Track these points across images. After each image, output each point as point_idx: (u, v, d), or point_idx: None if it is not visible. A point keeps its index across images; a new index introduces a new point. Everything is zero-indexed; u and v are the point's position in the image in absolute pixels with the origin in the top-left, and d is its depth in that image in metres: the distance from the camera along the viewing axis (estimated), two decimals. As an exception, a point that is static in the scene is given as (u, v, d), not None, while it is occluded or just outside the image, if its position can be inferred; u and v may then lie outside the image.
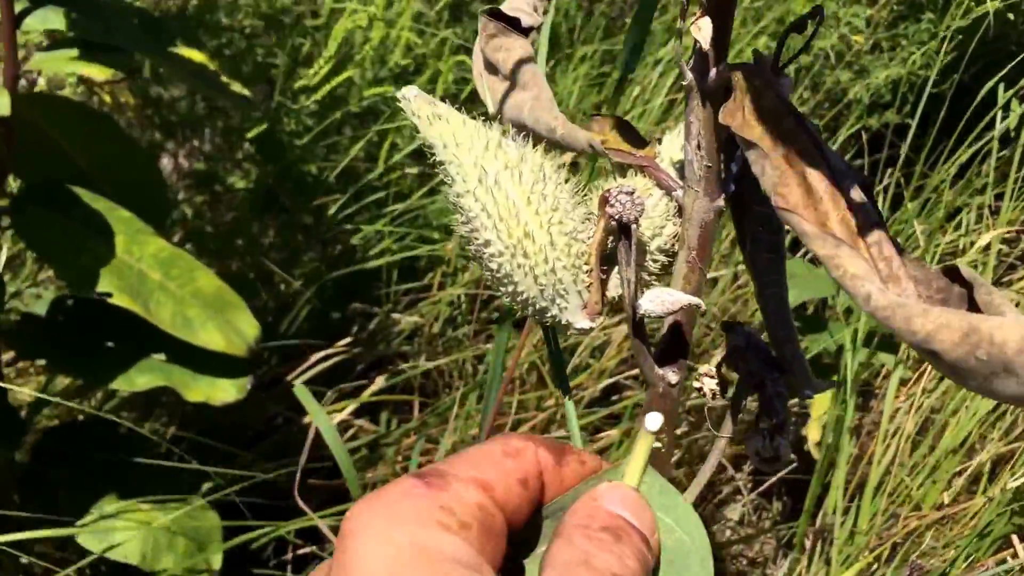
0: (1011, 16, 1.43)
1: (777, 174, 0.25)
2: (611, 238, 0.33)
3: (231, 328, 0.91)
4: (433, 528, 0.23)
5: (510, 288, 0.32)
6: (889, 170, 1.42)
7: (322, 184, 1.42)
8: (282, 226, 1.43)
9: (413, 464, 0.99)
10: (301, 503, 0.54)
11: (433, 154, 0.32)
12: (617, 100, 1.46)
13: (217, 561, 0.94)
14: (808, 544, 1.13)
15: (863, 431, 1.26)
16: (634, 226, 0.32)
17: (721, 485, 1.31)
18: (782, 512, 1.29)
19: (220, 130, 1.42)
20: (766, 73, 0.28)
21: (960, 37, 1.48)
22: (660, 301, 0.33)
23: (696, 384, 0.39)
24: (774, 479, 1.26)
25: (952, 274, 0.24)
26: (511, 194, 0.31)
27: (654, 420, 0.28)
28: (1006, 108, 1.34)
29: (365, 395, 1.20)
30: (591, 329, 0.33)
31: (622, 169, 0.37)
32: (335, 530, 0.91)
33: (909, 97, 1.48)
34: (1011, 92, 1.34)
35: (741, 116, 0.27)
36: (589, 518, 0.26)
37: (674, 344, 0.36)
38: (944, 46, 1.45)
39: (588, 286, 0.33)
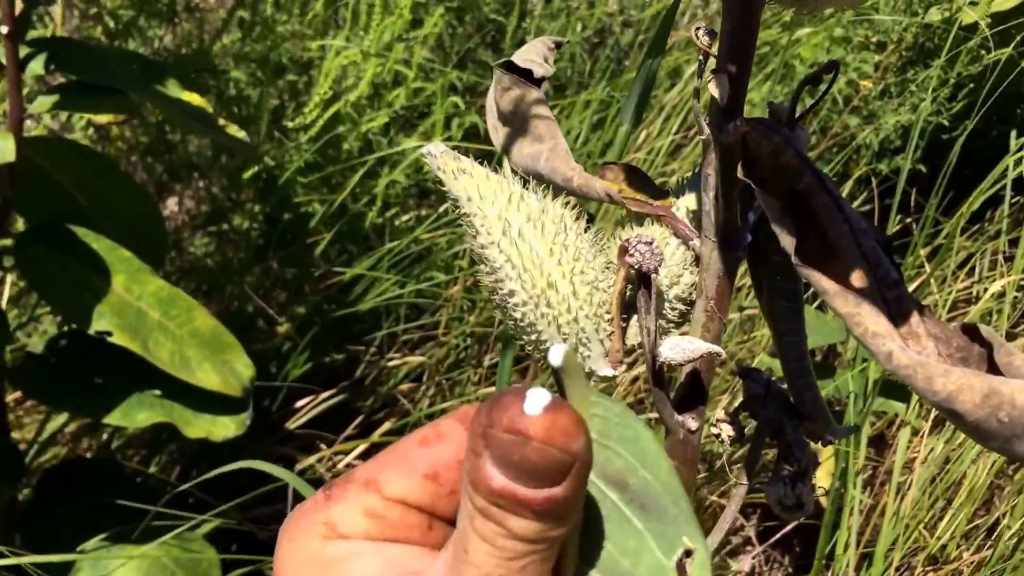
0: (1023, 64, 1.44)
1: (796, 231, 0.26)
2: (630, 287, 0.34)
3: (228, 369, 0.91)
4: (316, 539, 0.25)
5: (533, 336, 0.33)
6: (900, 216, 1.41)
7: (322, 221, 1.43)
8: (284, 264, 1.43)
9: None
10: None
11: (458, 207, 0.33)
12: (622, 143, 1.48)
13: (216, 600, 0.93)
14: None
15: (877, 481, 1.24)
16: (653, 275, 0.32)
17: (730, 535, 1.29)
18: (793, 563, 1.28)
19: (224, 171, 1.43)
20: (783, 130, 0.29)
21: (972, 84, 1.49)
22: (680, 349, 0.33)
23: (714, 431, 0.39)
24: (786, 529, 1.24)
25: (971, 333, 0.25)
26: (534, 245, 0.32)
27: (557, 354, 0.24)
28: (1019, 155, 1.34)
29: (375, 436, 1.20)
30: (614, 377, 0.34)
31: (639, 218, 0.37)
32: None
33: (920, 143, 1.47)
34: (1023, 139, 1.35)
35: (759, 172, 0.27)
36: (472, 489, 0.23)
37: (693, 391, 0.36)
38: (954, 92, 1.46)
39: (609, 334, 0.33)
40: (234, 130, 1.05)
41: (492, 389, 1.32)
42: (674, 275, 0.35)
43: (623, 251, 0.32)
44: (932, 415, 1.19)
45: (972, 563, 1.06)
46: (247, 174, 1.35)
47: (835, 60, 0.29)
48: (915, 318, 0.25)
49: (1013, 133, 1.36)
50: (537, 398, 0.22)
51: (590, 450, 0.23)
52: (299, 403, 1.28)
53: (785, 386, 0.39)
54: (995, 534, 1.09)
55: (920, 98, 1.44)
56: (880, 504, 1.15)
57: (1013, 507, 1.08)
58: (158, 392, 0.91)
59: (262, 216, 1.40)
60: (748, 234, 0.34)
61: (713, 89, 0.30)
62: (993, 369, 0.24)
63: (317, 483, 1.23)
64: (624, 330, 0.34)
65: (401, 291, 1.37)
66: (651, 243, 0.32)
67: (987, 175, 1.33)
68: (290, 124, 1.36)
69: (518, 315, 0.32)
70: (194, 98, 1.00)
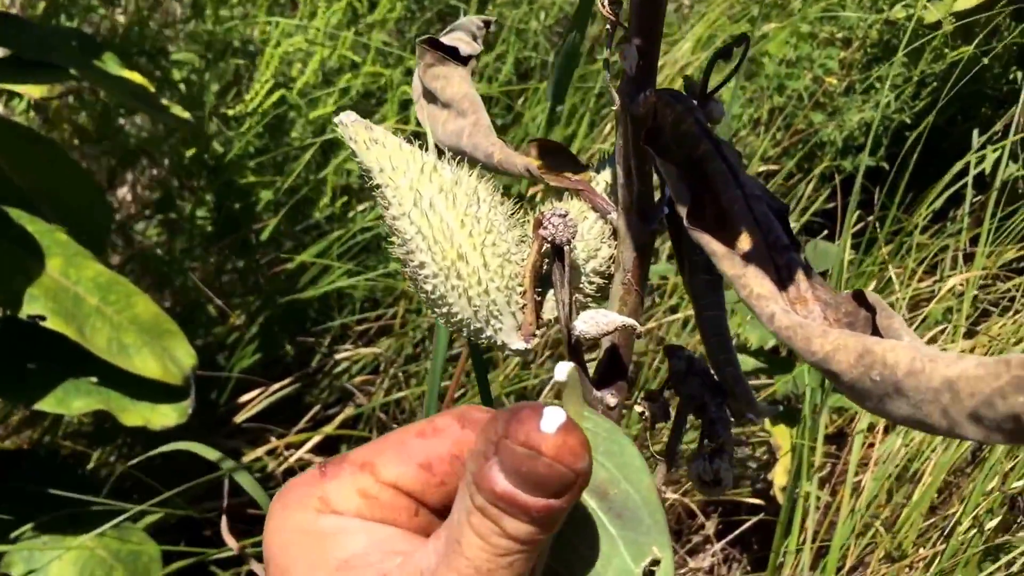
0: (985, 61, 1.46)
1: (690, 196, 0.26)
2: (546, 260, 0.33)
3: (168, 356, 0.90)
4: (310, 512, 0.27)
5: (445, 309, 0.32)
6: (861, 212, 1.41)
7: (270, 208, 1.40)
8: (234, 252, 1.41)
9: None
10: (228, 536, 0.53)
11: (371, 178, 0.32)
12: (564, 131, 1.48)
13: (157, 595, 0.91)
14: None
15: (835, 479, 1.24)
16: (567, 248, 0.32)
17: (691, 534, 1.29)
18: (751, 561, 1.28)
19: (173, 154, 1.40)
20: (687, 100, 0.29)
21: (935, 83, 1.50)
22: (595, 322, 0.33)
23: (637, 408, 0.39)
24: (745, 527, 1.24)
25: (859, 299, 0.25)
26: (445, 216, 0.31)
27: (562, 370, 0.26)
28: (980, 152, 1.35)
29: (328, 428, 1.18)
30: (527, 350, 0.33)
31: (558, 193, 0.37)
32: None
33: (884, 140, 1.48)
34: (984, 136, 1.35)
35: (660, 140, 0.27)
36: (475, 487, 0.25)
37: (612, 367, 0.36)
38: (918, 90, 1.47)
39: (523, 307, 0.33)
40: (178, 110, 1.03)
41: (448, 383, 1.31)
42: (592, 248, 0.35)
43: (537, 224, 0.32)
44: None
45: (926, 558, 1.07)
46: (188, 153, 1.32)
47: (745, 33, 0.29)
48: (804, 283, 0.25)
49: (976, 131, 1.37)
50: (553, 417, 0.24)
51: (591, 469, 0.25)
52: (248, 396, 1.26)
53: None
54: (947, 531, 1.10)
55: (884, 94, 1.45)
56: (837, 501, 1.15)
57: (966, 505, 1.09)
58: (95, 379, 0.89)
59: (212, 202, 1.37)
60: (665, 207, 0.34)
61: (623, 60, 0.29)
62: (876, 333, 0.24)
63: (263, 475, 1.21)
64: (540, 304, 0.34)
65: (354, 280, 1.35)
66: (565, 216, 0.32)
67: (950, 172, 1.34)
68: (230, 112, 1.33)
69: (429, 287, 0.32)
70: (135, 76, 0.98)
